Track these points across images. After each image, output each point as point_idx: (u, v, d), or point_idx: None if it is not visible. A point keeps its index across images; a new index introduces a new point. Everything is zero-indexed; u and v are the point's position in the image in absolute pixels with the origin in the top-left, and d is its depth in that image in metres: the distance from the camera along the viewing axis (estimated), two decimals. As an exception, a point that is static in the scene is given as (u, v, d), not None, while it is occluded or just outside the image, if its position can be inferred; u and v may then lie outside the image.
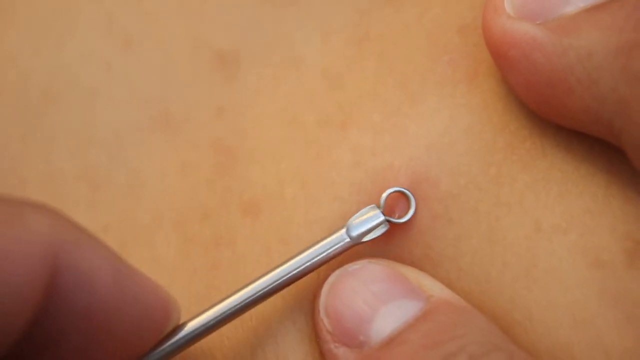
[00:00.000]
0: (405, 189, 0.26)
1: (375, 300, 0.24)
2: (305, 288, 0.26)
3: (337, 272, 0.25)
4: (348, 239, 0.25)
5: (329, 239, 0.25)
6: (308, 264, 0.25)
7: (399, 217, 0.26)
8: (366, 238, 0.25)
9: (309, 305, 0.26)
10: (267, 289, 0.25)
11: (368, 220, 0.26)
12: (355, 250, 0.26)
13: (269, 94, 0.28)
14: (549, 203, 0.24)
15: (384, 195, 0.26)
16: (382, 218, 0.25)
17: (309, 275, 0.26)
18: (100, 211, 0.27)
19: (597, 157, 0.24)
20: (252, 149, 0.27)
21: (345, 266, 0.25)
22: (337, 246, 0.25)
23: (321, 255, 0.25)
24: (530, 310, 0.23)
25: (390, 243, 0.26)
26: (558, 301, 0.23)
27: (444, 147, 0.26)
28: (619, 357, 0.22)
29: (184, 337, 0.25)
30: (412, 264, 0.26)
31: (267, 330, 0.26)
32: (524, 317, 0.23)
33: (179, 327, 0.25)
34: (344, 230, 0.25)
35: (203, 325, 0.25)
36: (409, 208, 0.26)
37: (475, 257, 0.24)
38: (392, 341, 0.23)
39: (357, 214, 0.26)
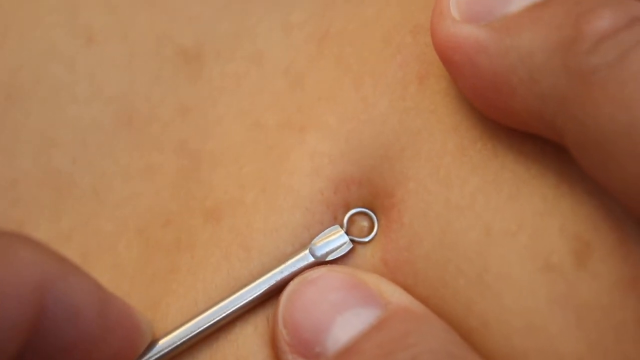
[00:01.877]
0: (366, 208, 0.26)
1: (332, 310, 0.24)
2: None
3: (296, 280, 0.25)
4: (312, 259, 0.25)
5: (293, 260, 0.25)
6: (273, 285, 0.25)
7: (360, 233, 0.26)
8: (330, 257, 0.26)
9: (271, 310, 0.26)
10: (233, 309, 0.25)
11: (332, 241, 0.26)
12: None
13: (232, 92, 0.28)
14: (499, 205, 0.23)
15: (347, 215, 0.26)
16: (346, 239, 0.26)
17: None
18: (64, 218, 0.27)
19: (548, 157, 0.24)
20: (216, 153, 0.27)
21: (304, 274, 0.25)
22: (301, 266, 0.25)
23: (286, 275, 0.25)
24: (485, 316, 0.23)
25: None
26: (511, 307, 0.22)
27: (395, 153, 0.26)
28: None
29: (155, 355, 0.25)
30: (372, 268, 0.26)
31: (228, 333, 0.26)
32: (479, 323, 0.23)
33: (150, 345, 0.25)
34: (307, 251, 0.25)
35: (172, 344, 0.25)
36: (370, 224, 0.26)
37: (429, 262, 0.24)
38: (347, 351, 0.23)
39: (321, 234, 0.26)
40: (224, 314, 0.25)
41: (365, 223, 0.26)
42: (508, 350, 0.23)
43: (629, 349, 0.21)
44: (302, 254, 0.25)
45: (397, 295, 0.24)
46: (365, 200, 0.26)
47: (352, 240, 0.26)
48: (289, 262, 0.25)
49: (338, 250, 0.26)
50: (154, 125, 0.28)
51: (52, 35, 0.28)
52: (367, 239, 0.26)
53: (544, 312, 0.22)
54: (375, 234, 0.26)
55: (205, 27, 0.28)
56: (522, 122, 0.23)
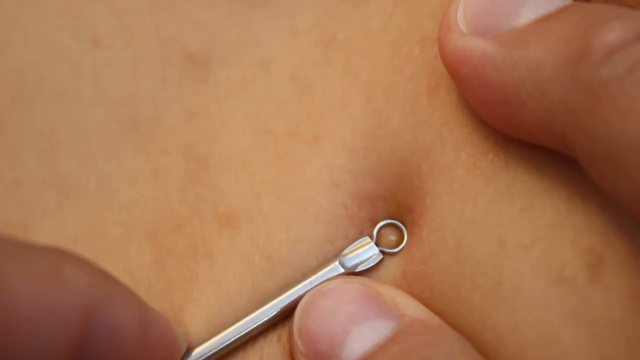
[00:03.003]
0: (396, 220, 0.26)
1: (348, 322, 0.24)
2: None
3: (312, 292, 0.25)
4: (342, 270, 0.26)
5: (323, 271, 0.26)
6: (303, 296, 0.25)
7: (388, 246, 0.26)
8: (360, 268, 0.26)
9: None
10: (264, 321, 0.26)
11: (362, 253, 0.26)
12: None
13: (239, 97, 0.28)
14: (512, 218, 0.24)
15: (377, 227, 0.26)
16: (376, 250, 0.26)
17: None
18: (69, 221, 0.27)
19: (559, 168, 0.24)
20: (223, 157, 0.27)
21: (320, 286, 0.25)
22: (331, 277, 0.26)
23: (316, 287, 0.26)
24: (500, 330, 0.23)
25: None
26: (525, 320, 0.23)
27: (412, 168, 0.26)
28: None
29: None
30: (393, 280, 0.26)
31: (252, 344, 0.26)
32: (494, 337, 0.23)
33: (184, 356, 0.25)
34: (337, 263, 0.26)
35: (204, 355, 0.25)
36: (398, 237, 0.26)
37: (444, 275, 0.24)
38: None
39: (351, 246, 0.26)
40: (254, 325, 0.25)
41: (392, 237, 0.26)
42: None
43: None
44: (332, 265, 0.26)
45: (412, 308, 0.24)
46: (392, 214, 0.26)
47: (381, 252, 0.26)
48: (320, 273, 0.26)
49: (368, 261, 0.26)
50: (159, 128, 0.27)
51: (58, 38, 0.28)
52: (396, 250, 0.26)
53: (558, 326, 0.22)
54: (405, 245, 0.26)
55: (211, 32, 0.28)
56: (531, 134, 0.23)
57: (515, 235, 0.23)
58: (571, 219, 0.23)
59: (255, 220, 0.27)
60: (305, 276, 0.26)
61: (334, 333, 0.24)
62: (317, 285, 0.25)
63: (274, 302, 0.26)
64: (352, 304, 0.24)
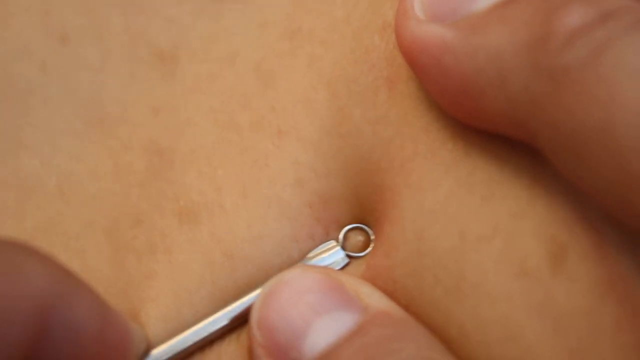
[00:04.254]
0: (361, 221, 0.26)
1: (310, 312, 0.23)
2: None
3: (272, 281, 0.24)
4: None
5: None
6: None
7: (355, 248, 0.25)
8: None
9: None
10: (226, 322, 0.25)
11: (328, 257, 0.25)
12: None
13: (204, 92, 0.27)
14: (473, 209, 0.23)
15: (343, 231, 0.25)
16: (342, 254, 0.25)
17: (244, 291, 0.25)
18: (28, 219, 0.27)
19: (520, 156, 0.23)
20: (187, 152, 0.27)
21: (280, 275, 0.24)
22: None
23: None
24: (464, 326, 0.22)
25: None
26: (489, 316, 0.22)
27: (372, 166, 0.25)
28: None
29: None
30: (353, 274, 0.25)
31: (210, 345, 0.25)
32: (458, 333, 0.22)
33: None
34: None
35: (164, 357, 0.25)
36: (365, 239, 0.26)
37: (406, 268, 0.23)
38: (326, 357, 0.22)
39: (316, 249, 0.25)
40: (214, 329, 0.25)
41: (360, 237, 0.26)
42: (486, 359, 0.22)
43: (608, 353, 0.21)
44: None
45: (376, 299, 0.23)
46: (356, 216, 0.26)
47: (348, 256, 0.25)
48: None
49: (333, 265, 0.25)
50: (124, 125, 0.27)
51: (25, 36, 0.28)
52: (363, 254, 0.25)
53: (522, 321, 0.21)
54: (372, 248, 0.25)
55: (181, 28, 0.27)
56: (492, 124, 0.22)
57: (476, 227, 0.23)
58: (534, 208, 0.22)
59: (216, 216, 0.26)
60: (267, 277, 0.25)
61: (295, 324, 0.23)
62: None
63: (235, 304, 0.25)
64: (313, 293, 0.23)
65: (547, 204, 0.22)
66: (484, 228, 0.22)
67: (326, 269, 0.24)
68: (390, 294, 0.24)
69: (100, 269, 0.26)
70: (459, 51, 0.22)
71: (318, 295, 0.23)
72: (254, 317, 0.24)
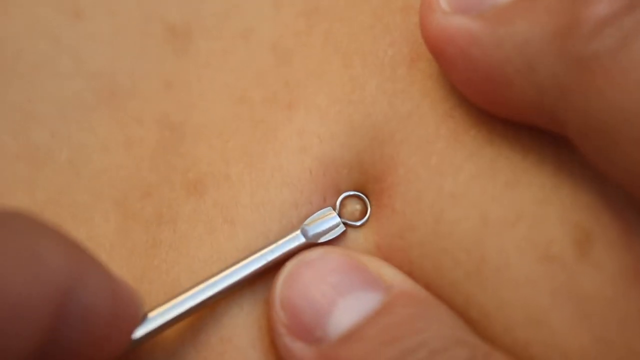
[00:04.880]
0: (359, 192, 0.25)
1: (333, 293, 0.23)
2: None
3: (293, 261, 0.24)
4: (304, 240, 0.25)
5: (284, 240, 0.25)
6: (264, 265, 0.24)
7: (352, 217, 0.25)
8: (322, 239, 0.25)
9: (259, 292, 0.25)
10: (222, 288, 0.24)
11: (324, 222, 0.25)
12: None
13: (218, 67, 0.27)
14: (496, 194, 0.23)
15: (340, 198, 0.25)
16: (338, 220, 0.25)
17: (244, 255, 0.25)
18: (39, 190, 0.26)
19: (545, 145, 0.23)
20: (199, 126, 0.26)
21: (302, 255, 0.24)
22: (292, 247, 0.25)
23: (277, 256, 0.24)
24: (485, 308, 0.22)
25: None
26: (511, 300, 0.22)
27: (385, 136, 0.25)
28: (577, 356, 0.21)
29: (149, 329, 0.24)
30: (366, 253, 0.25)
31: (212, 312, 0.25)
32: (480, 315, 0.22)
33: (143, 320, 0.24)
34: (298, 232, 0.25)
35: (155, 325, 0.24)
36: (363, 208, 0.25)
37: (424, 250, 0.23)
38: (350, 336, 0.22)
39: (313, 215, 0.25)
40: (211, 293, 0.24)
41: (357, 206, 0.25)
42: (509, 342, 0.22)
43: (634, 341, 0.21)
44: (293, 235, 0.25)
45: (398, 279, 0.23)
46: (356, 183, 0.25)
47: (344, 224, 0.25)
48: (280, 242, 0.25)
49: (330, 232, 0.25)
50: (135, 99, 0.27)
51: (38, 11, 0.27)
52: (359, 223, 0.25)
53: (546, 305, 0.21)
54: (368, 219, 0.25)
55: (194, 5, 0.27)
56: (519, 113, 0.22)
57: (499, 211, 0.22)
58: (558, 195, 0.22)
59: (221, 186, 0.26)
60: (267, 242, 0.25)
61: (320, 304, 0.23)
62: (281, 255, 0.24)
63: (231, 269, 0.24)
64: (336, 274, 0.23)
65: (572, 191, 0.22)
66: (507, 213, 0.22)
67: (347, 250, 0.24)
68: (407, 275, 0.24)
69: (105, 238, 0.26)
70: (486, 42, 0.22)
71: (341, 275, 0.23)
72: (276, 296, 0.24)
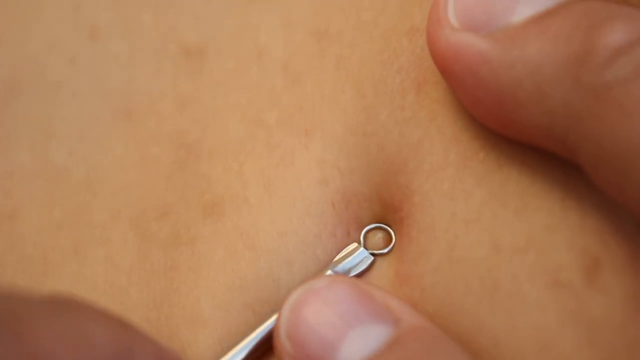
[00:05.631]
0: (381, 223, 0.26)
1: (342, 324, 0.23)
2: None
3: (300, 290, 0.24)
4: None
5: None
6: None
7: (377, 246, 0.26)
8: (352, 273, 0.25)
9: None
10: (261, 338, 0.25)
11: (353, 258, 0.25)
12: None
13: (231, 87, 0.27)
14: (507, 220, 0.23)
15: (363, 231, 0.26)
16: (366, 253, 0.25)
17: (266, 283, 0.25)
18: (56, 208, 0.27)
19: (552, 168, 0.23)
20: (214, 146, 0.27)
21: (308, 284, 0.24)
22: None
23: None
24: (496, 335, 0.22)
25: None
26: (522, 326, 0.22)
27: (398, 167, 0.25)
28: None
29: None
30: (384, 282, 0.25)
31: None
32: (490, 342, 0.22)
33: None
34: (330, 272, 0.25)
35: None
36: (385, 235, 0.26)
37: (437, 276, 0.24)
38: None
39: (341, 253, 0.25)
40: (253, 346, 0.25)
41: (379, 234, 0.26)
42: None
43: None
44: (325, 273, 0.25)
45: (406, 312, 0.23)
46: (377, 215, 0.26)
47: (372, 254, 0.25)
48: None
49: (360, 264, 0.25)
50: (152, 118, 0.27)
51: (55, 30, 0.28)
52: (386, 251, 0.25)
53: (555, 331, 0.22)
54: (393, 246, 0.25)
55: (209, 25, 0.28)
56: (528, 136, 0.23)
57: (510, 238, 0.23)
58: (566, 221, 0.22)
59: (240, 210, 0.26)
60: (291, 272, 0.25)
61: (327, 336, 0.23)
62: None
63: (268, 322, 0.25)
64: (344, 304, 0.23)
65: (580, 216, 0.22)
66: (517, 239, 0.23)
67: (354, 279, 0.24)
68: (417, 301, 0.24)
69: (123, 259, 0.26)
70: (496, 63, 0.22)
71: (349, 305, 0.23)
72: (282, 325, 0.23)
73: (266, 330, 0.25)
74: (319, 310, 0.23)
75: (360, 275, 0.25)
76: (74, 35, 0.28)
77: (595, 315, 0.22)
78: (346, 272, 0.25)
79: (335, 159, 0.26)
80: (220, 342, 0.25)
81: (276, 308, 0.25)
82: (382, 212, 0.26)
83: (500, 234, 0.23)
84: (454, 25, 0.23)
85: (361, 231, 0.26)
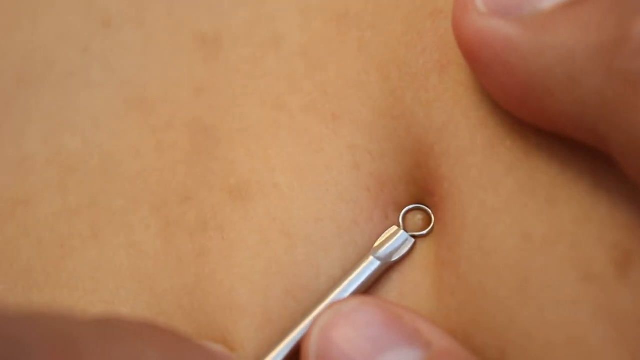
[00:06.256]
0: (419, 202, 0.25)
1: (372, 349, 0.23)
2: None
3: (328, 312, 0.23)
4: (379, 263, 0.25)
5: (360, 268, 0.25)
6: (348, 297, 0.24)
7: (416, 227, 0.26)
8: (395, 257, 0.25)
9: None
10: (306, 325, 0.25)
11: (394, 241, 0.25)
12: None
13: (249, 73, 0.27)
14: (537, 210, 0.23)
15: (402, 212, 0.26)
16: (406, 235, 0.25)
17: (305, 269, 0.25)
18: (71, 194, 0.27)
19: (582, 159, 0.23)
20: (233, 131, 0.26)
21: (336, 306, 0.23)
22: (370, 273, 0.25)
23: (358, 285, 0.25)
24: (527, 328, 0.22)
25: None
26: (553, 319, 0.22)
27: (427, 149, 0.25)
28: None
29: None
30: (419, 263, 0.25)
31: None
32: (521, 335, 0.22)
33: None
34: (371, 257, 0.25)
35: None
36: (424, 216, 0.26)
37: (470, 265, 0.24)
38: None
39: (381, 237, 0.25)
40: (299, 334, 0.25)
41: (418, 216, 0.26)
42: None
43: None
44: (367, 261, 0.25)
45: (437, 336, 0.23)
46: (414, 195, 0.26)
47: (412, 236, 0.25)
48: (357, 271, 0.25)
49: (401, 248, 0.25)
50: (166, 104, 0.27)
51: (67, 20, 0.28)
52: (426, 232, 0.25)
53: (586, 325, 0.22)
54: (433, 227, 0.25)
55: (223, 13, 0.27)
56: (557, 125, 0.22)
57: (541, 229, 0.23)
58: (596, 213, 0.22)
59: (270, 195, 0.26)
60: (328, 258, 0.25)
61: None
62: (361, 284, 0.25)
63: (322, 304, 0.25)
64: (374, 328, 0.23)
65: (610, 209, 0.22)
66: (548, 230, 0.23)
67: (382, 300, 0.24)
68: (453, 288, 0.24)
69: (149, 245, 0.26)
70: (526, 50, 0.22)
71: (379, 329, 0.23)
72: (311, 348, 0.23)
73: (292, 345, 0.25)
74: (349, 335, 0.23)
75: (402, 259, 0.25)
76: (86, 24, 0.28)
77: (627, 310, 0.22)
78: (388, 257, 0.25)
79: (366, 143, 0.25)
80: (262, 329, 0.25)
81: (316, 295, 0.25)
82: (418, 193, 0.26)
83: (531, 224, 0.23)
84: (481, 10, 0.23)
85: (399, 213, 0.26)
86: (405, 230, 0.25)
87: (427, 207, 0.26)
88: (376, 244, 0.25)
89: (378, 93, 0.26)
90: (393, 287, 0.25)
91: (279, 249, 0.25)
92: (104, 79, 0.27)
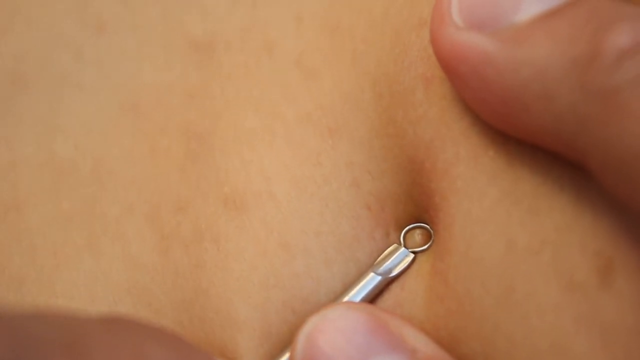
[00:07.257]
0: (417, 219, 0.26)
1: (358, 355, 0.23)
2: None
3: (314, 319, 0.23)
4: (380, 278, 0.25)
5: (361, 284, 0.25)
6: None
7: (415, 244, 0.26)
8: (395, 272, 0.25)
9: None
10: None
11: (395, 259, 0.25)
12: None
13: (242, 79, 0.27)
14: (520, 219, 0.23)
15: (403, 232, 0.26)
16: (406, 251, 0.25)
17: (305, 281, 0.25)
18: (64, 200, 0.27)
19: (564, 167, 0.23)
20: (226, 138, 0.26)
21: (322, 312, 0.23)
22: (372, 288, 0.25)
23: (358, 300, 0.25)
24: (513, 337, 0.23)
25: None
26: (537, 328, 0.22)
27: (417, 166, 0.25)
28: None
29: None
30: (415, 274, 0.25)
31: None
32: (507, 344, 0.23)
33: None
34: (372, 274, 0.25)
35: None
36: (423, 231, 0.26)
37: (457, 274, 0.24)
38: None
39: (382, 255, 0.25)
40: None
41: (418, 231, 0.26)
42: None
43: None
44: (368, 277, 0.25)
45: (422, 343, 0.23)
46: (412, 214, 0.26)
47: (412, 252, 0.26)
48: (358, 286, 0.25)
49: (401, 263, 0.25)
50: (160, 111, 0.27)
51: (61, 24, 0.28)
52: (425, 247, 0.26)
53: (570, 333, 0.22)
54: (432, 242, 0.25)
55: (217, 19, 0.27)
56: (535, 138, 0.22)
57: (524, 238, 0.23)
58: (579, 222, 0.22)
59: (266, 206, 0.26)
60: (330, 272, 0.25)
61: None
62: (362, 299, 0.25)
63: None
64: (360, 334, 0.23)
65: (592, 217, 0.22)
66: (532, 239, 0.23)
67: (368, 306, 0.24)
68: (442, 296, 0.24)
69: (144, 257, 0.26)
70: (502, 64, 0.22)
71: (365, 335, 0.23)
72: (297, 354, 0.23)
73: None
74: (335, 341, 0.23)
75: (401, 273, 0.26)
76: (80, 29, 0.28)
77: (609, 318, 0.22)
78: (387, 272, 0.25)
79: (365, 162, 0.26)
80: (262, 343, 0.25)
81: (317, 308, 0.25)
82: (416, 210, 0.26)
83: (514, 233, 0.23)
84: (458, 23, 0.23)
85: (400, 231, 0.26)
86: (405, 246, 0.26)
87: (426, 223, 0.26)
88: (377, 261, 0.25)
89: (373, 111, 0.26)
90: (390, 296, 0.25)
91: (277, 261, 0.25)
92: (97, 83, 0.27)
